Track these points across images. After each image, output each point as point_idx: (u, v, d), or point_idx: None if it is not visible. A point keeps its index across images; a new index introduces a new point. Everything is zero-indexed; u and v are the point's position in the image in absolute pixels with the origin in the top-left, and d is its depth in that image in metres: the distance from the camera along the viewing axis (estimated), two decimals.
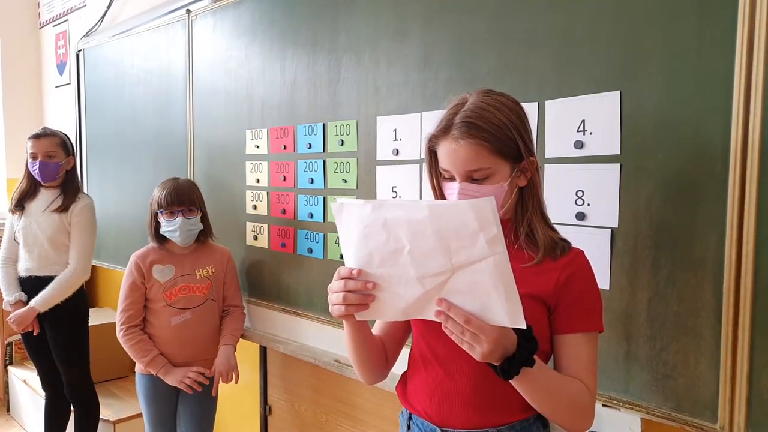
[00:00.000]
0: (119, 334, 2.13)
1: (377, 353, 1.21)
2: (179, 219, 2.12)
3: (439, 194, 1.13)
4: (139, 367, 2.17)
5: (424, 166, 1.15)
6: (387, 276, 0.94)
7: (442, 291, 0.91)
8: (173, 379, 2.10)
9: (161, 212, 2.12)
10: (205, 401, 2.21)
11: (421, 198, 1.72)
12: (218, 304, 2.27)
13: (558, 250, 1.09)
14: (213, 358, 2.20)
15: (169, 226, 2.12)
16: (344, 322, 1.10)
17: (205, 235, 2.23)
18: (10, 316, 2.47)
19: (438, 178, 1.12)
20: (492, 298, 0.88)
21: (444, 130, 1.06)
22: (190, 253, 2.22)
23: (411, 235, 0.90)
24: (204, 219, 2.22)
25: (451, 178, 1.08)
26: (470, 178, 1.05)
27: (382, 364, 1.23)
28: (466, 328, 0.89)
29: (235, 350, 2.24)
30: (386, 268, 0.94)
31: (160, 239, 2.18)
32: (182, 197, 2.13)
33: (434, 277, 0.91)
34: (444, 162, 1.07)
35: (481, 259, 0.87)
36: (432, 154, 1.12)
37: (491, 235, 0.85)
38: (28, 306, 2.47)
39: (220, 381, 2.16)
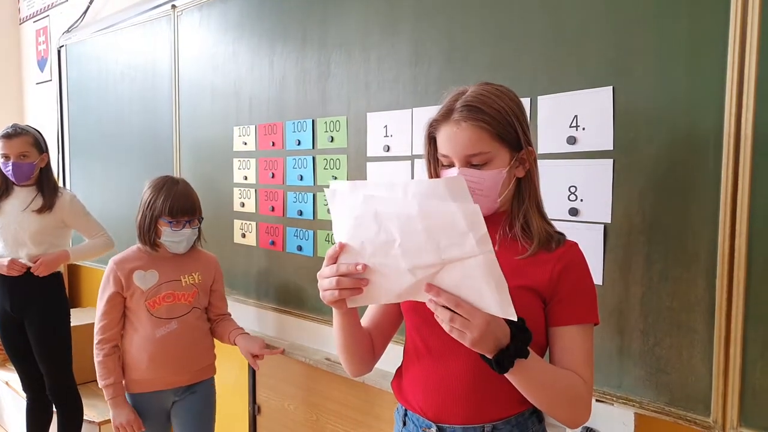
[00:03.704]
0: (94, 346, 1.98)
1: (365, 344, 1.20)
2: (186, 231, 1.96)
3: None
4: (126, 386, 2.01)
5: (423, 153, 1.14)
6: (379, 265, 0.94)
7: (433, 280, 0.91)
8: (116, 416, 1.93)
9: (170, 223, 1.93)
10: (201, 416, 2.11)
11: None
12: (203, 312, 2.12)
13: (553, 242, 1.08)
14: (203, 367, 2.09)
15: (174, 237, 1.95)
16: (334, 309, 1.09)
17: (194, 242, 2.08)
18: (42, 259, 2.45)
19: (436, 166, 1.12)
20: (483, 289, 0.88)
21: (445, 114, 1.07)
22: (175, 257, 2.04)
23: (401, 229, 0.90)
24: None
25: (450, 165, 1.07)
26: (469, 163, 1.05)
27: (369, 356, 1.22)
28: (455, 314, 0.88)
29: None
30: (378, 258, 0.93)
31: (153, 244, 1.98)
32: (190, 207, 1.97)
33: (425, 268, 0.90)
34: (444, 147, 1.07)
35: (471, 257, 0.87)
36: (431, 141, 1.12)
37: (480, 235, 0.86)
38: (61, 250, 2.53)
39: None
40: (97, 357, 1.96)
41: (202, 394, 2.09)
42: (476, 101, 1.04)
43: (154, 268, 2.00)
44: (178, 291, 2.02)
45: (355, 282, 0.95)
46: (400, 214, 0.89)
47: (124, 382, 1.99)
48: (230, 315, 2.21)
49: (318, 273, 1.00)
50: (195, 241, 2.06)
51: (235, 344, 2.10)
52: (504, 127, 1.05)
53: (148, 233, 1.96)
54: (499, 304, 0.87)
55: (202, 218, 2.04)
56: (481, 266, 0.87)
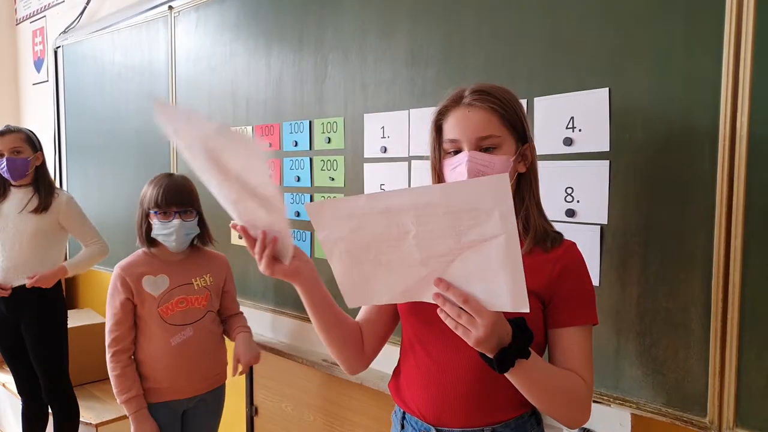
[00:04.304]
0: (107, 358, 1.88)
1: (345, 332, 1.17)
2: (176, 221, 1.85)
3: (439, 174, 1.13)
4: None
5: (429, 142, 1.14)
6: (386, 262, 0.93)
7: (446, 272, 0.90)
8: (139, 429, 1.85)
9: (155, 213, 1.86)
10: (211, 424, 2.08)
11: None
12: (216, 315, 2.05)
13: (549, 240, 1.08)
14: (217, 374, 2.04)
15: (163, 229, 1.86)
16: (295, 285, 1.09)
17: (202, 240, 1.99)
18: (36, 277, 2.44)
19: (440, 155, 1.11)
20: (498, 279, 0.86)
21: (455, 100, 1.08)
22: (184, 259, 1.97)
23: (417, 219, 0.88)
24: (201, 222, 1.96)
25: (457, 151, 1.07)
26: (479, 147, 1.05)
27: (354, 347, 1.19)
28: (463, 310, 0.88)
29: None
30: (387, 255, 0.92)
31: (151, 243, 1.92)
32: (180, 197, 1.87)
33: (440, 257, 0.89)
34: (453, 131, 1.07)
35: (492, 237, 0.85)
36: (437, 130, 1.12)
37: (505, 210, 0.84)
38: (58, 266, 2.52)
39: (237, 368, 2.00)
40: (115, 370, 1.86)
41: (214, 401, 2.06)
42: (486, 88, 1.07)
43: (164, 272, 1.93)
44: (190, 295, 1.95)
45: (262, 243, 1.01)
46: (417, 204, 0.88)
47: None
48: (242, 314, 2.16)
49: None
50: (197, 238, 1.97)
51: (234, 340, 2.05)
52: (512, 114, 1.07)
53: (140, 227, 1.89)
54: (512, 296, 0.86)
55: (200, 212, 1.94)
56: (501, 250, 0.85)
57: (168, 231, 1.87)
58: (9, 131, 2.48)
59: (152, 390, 1.92)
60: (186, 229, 1.89)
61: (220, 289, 2.06)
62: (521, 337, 0.92)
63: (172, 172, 1.95)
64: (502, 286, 0.87)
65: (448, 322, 0.90)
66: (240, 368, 1.98)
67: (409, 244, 0.90)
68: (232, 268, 2.16)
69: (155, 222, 1.87)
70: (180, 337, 1.92)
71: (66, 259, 2.75)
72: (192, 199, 1.92)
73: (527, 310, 0.86)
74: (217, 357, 2.05)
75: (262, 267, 1.02)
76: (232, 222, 1.05)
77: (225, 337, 2.11)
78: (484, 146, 1.05)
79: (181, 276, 1.95)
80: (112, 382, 1.87)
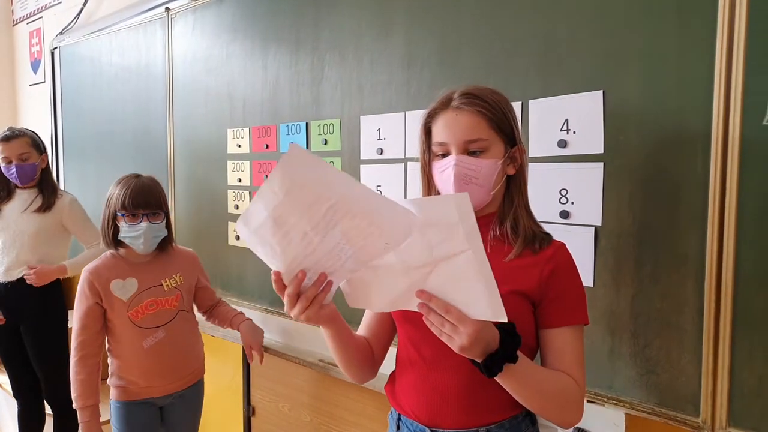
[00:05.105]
0: (72, 361, 1.87)
1: (362, 353, 1.21)
2: (144, 224, 1.84)
3: (428, 176, 1.14)
4: (113, 393, 1.92)
5: (418, 145, 1.15)
6: (375, 269, 0.94)
7: (426, 282, 0.91)
8: None
9: (123, 215, 1.83)
10: (192, 418, 2.09)
11: (405, 198, 1.72)
12: (190, 314, 2.05)
13: (537, 242, 1.09)
14: (194, 370, 2.04)
15: (131, 232, 1.84)
16: (322, 327, 1.11)
17: (166, 242, 1.95)
18: (37, 268, 2.44)
19: (430, 158, 1.13)
20: (474, 290, 0.88)
21: (444, 103, 1.09)
22: (152, 260, 1.94)
23: None
24: (167, 224, 1.94)
25: (445, 154, 1.09)
26: (467, 150, 1.06)
27: (368, 364, 1.23)
28: (445, 319, 0.89)
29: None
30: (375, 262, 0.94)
31: (118, 245, 1.90)
32: (149, 199, 1.85)
33: (418, 268, 0.91)
34: (441, 134, 1.08)
35: (460, 252, 0.87)
36: (427, 133, 1.13)
37: (469, 227, 0.86)
38: (58, 264, 2.51)
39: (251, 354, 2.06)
40: (79, 374, 1.84)
41: (193, 395, 2.07)
42: (475, 91, 1.08)
43: (132, 276, 1.90)
44: (160, 297, 1.93)
45: (314, 289, 0.95)
46: None
47: (115, 390, 1.93)
48: (222, 299, 2.17)
49: (286, 308, 1.00)
50: (165, 239, 1.94)
51: (239, 330, 2.09)
52: (500, 117, 1.07)
53: (106, 230, 1.87)
54: (489, 306, 0.88)
55: (167, 213, 1.93)
56: (471, 263, 0.87)
57: (136, 234, 1.84)
58: (15, 136, 2.49)
59: (129, 389, 1.91)
60: (154, 232, 1.87)
61: (192, 287, 2.05)
62: (509, 342, 0.93)
63: (139, 174, 1.93)
64: (478, 297, 0.88)
65: (433, 330, 0.92)
66: (255, 355, 2.05)
67: (388, 255, 0.92)
68: (229, 268, 2.15)
69: (123, 224, 1.85)
70: (152, 339, 1.90)
71: None
72: (160, 201, 1.90)
73: (505, 319, 0.87)
74: (193, 354, 2.04)
75: (311, 312, 0.98)
76: (274, 271, 0.97)
77: (201, 333, 2.11)
78: (471, 149, 1.06)
79: (150, 278, 1.93)
80: (74, 385, 1.85)
